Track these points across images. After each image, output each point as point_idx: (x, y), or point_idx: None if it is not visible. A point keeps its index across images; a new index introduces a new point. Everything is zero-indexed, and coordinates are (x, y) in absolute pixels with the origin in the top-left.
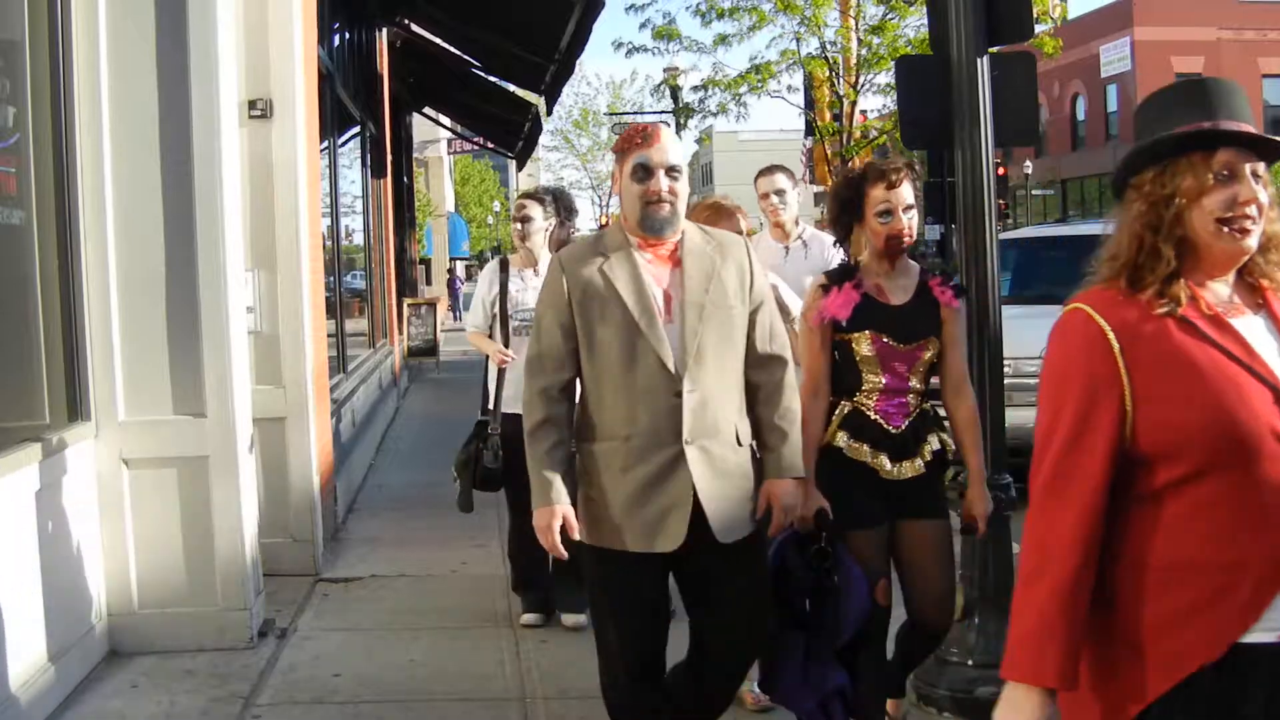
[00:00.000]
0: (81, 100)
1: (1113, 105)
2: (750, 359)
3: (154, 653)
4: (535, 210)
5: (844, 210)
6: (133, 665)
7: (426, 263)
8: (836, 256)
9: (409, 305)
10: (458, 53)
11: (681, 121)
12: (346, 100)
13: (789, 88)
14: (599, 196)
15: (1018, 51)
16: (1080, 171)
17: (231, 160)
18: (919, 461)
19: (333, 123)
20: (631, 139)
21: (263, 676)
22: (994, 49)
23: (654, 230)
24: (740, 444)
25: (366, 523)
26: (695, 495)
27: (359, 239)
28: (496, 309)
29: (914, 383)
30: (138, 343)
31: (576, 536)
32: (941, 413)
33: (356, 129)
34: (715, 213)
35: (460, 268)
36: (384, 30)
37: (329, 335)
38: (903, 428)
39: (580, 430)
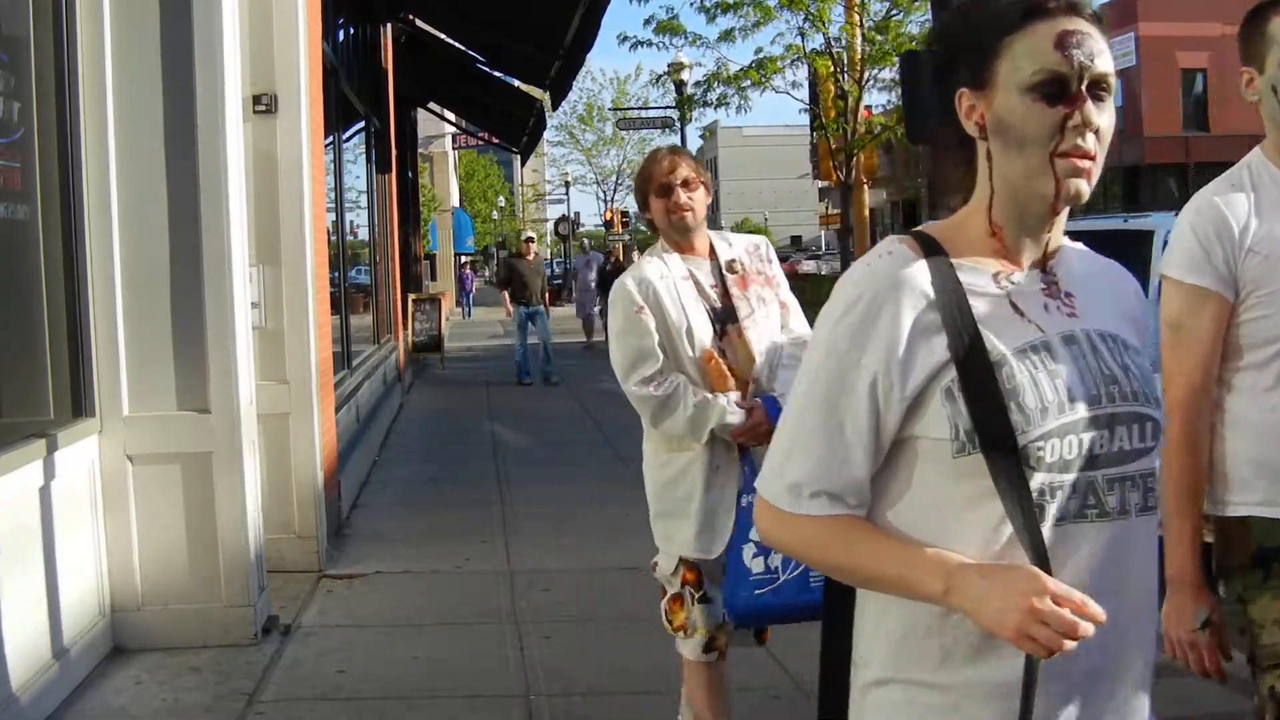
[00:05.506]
0: (86, 95)
1: (1117, 100)
2: None
3: (158, 649)
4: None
5: None
6: (136, 662)
7: (431, 258)
8: None
9: (413, 300)
10: (462, 48)
11: (684, 115)
12: (351, 95)
13: (793, 83)
14: (603, 192)
15: None
16: None
17: (236, 155)
18: None
19: (337, 118)
20: None
21: (266, 673)
22: None
23: None
24: None
25: (371, 519)
26: None
27: (364, 234)
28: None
29: None
30: (142, 338)
31: None
32: None
33: (361, 124)
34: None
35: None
36: (388, 25)
37: (333, 331)
38: None
39: None
